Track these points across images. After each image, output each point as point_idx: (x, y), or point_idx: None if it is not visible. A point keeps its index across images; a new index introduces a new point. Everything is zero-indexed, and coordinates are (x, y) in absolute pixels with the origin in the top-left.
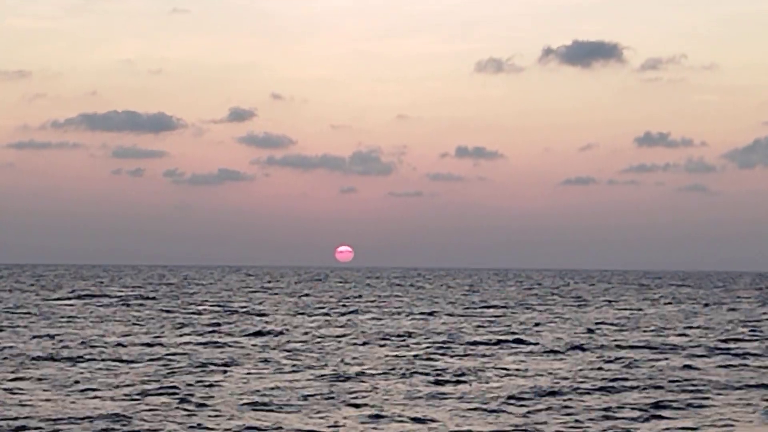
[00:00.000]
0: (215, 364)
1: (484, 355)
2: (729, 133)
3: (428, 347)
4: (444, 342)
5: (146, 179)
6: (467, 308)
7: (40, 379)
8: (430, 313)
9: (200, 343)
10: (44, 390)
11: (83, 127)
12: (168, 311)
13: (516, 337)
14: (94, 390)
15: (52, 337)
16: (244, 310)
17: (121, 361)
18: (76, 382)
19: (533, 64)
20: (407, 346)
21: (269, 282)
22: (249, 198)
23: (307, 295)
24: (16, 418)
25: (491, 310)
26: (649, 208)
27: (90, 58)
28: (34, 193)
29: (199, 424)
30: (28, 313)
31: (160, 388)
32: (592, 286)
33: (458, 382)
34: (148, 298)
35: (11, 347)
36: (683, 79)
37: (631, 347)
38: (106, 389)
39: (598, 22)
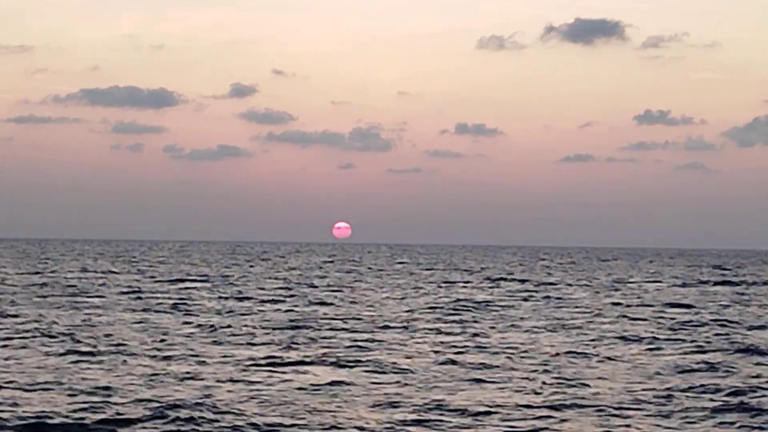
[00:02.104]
0: None
1: None
2: (729, 111)
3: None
4: None
5: (145, 154)
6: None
7: None
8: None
9: None
10: None
11: (84, 102)
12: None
13: None
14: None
15: None
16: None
17: None
18: None
19: (535, 42)
20: None
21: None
22: (248, 174)
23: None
24: None
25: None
26: (648, 186)
27: (92, 33)
28: (34, 168)
29: None
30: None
31: None
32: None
33: None
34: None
35: None
36: (684, 57)
37: None
38: None
39: None
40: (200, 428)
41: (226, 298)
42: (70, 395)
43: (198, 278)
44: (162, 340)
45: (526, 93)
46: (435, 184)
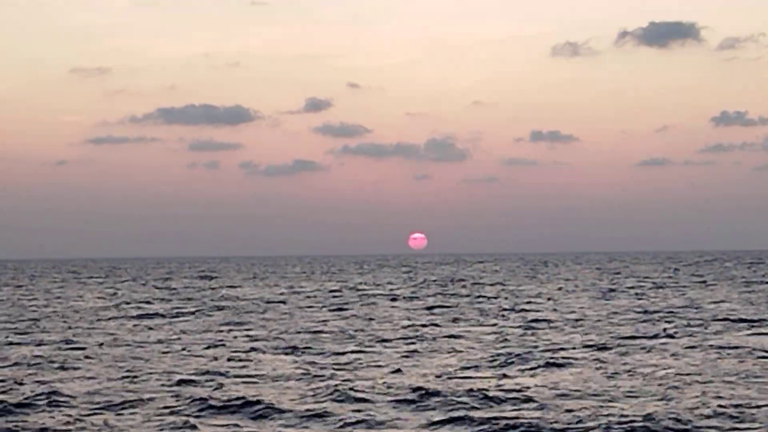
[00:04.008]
0: None
1: None
2: None
3: None
4: None
5: (222, 171)
6: None
7: None
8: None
9: None
10: None
11: (161, 121)
12: None
13: None
14: None
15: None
16: None
17: None
18: None
19: (609, 47)
20: None
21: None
22: (323, 187)
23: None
24: None
25: None
26: (727, 188)
27: (168, 53)
28: (113, 188)
29: None
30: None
31: None
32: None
33: None
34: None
35: None
36: (761, 58)
37: None
38: None
39: (674, 1)
40: None
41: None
42: None
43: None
44: None
45: (601, 98)
46: (510, 193)
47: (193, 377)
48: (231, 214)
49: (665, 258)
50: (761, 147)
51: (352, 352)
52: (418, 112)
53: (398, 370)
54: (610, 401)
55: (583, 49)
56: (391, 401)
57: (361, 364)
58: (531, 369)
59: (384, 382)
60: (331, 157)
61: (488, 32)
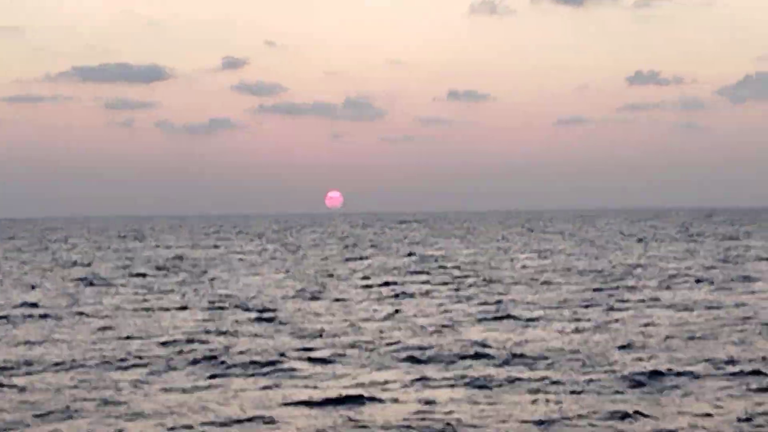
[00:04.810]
0: None
1: None
2: (721, 70)
3: None
4: None
5: (138, 130)
6: None
7: None
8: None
9: None
10: None
11: (76, 79)
12: None
13: None
14: None
15: None
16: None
17: None
18: None
19: (526, 5)
20: None
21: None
22: (240, 146)
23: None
24: None
25: None
26: (642, 146)
27: (84, 11)
28: (28, 146)
29: None
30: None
31: None
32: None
33: None
34: None
35: None
36: (676, 16)
37: None
38: None
39: None
40: None
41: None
42: None
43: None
44: None
45: (518, 57)
46: (427, 152)
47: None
48: (147, 173)
49: (579, 215)
50: (675, 106)
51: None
52: (335, 71)
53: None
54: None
55: (501, 8)
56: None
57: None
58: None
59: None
60: (248, 116)
61: None
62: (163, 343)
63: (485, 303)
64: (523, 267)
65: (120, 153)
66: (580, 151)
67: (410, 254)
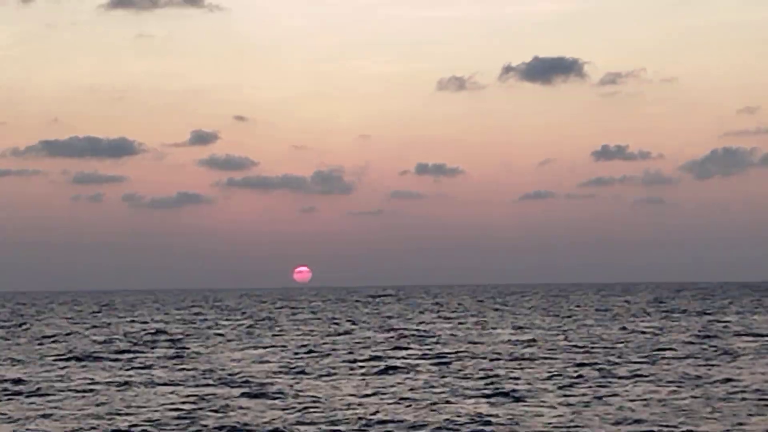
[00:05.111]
0: None
1: None
2: (686, 146)
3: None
4: None
5: (105, 204)
6: None
7: None
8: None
9: None
10: None
11: (44, 154)
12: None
13: None
14: None
15: None
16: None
17: None
18: None
19: (494, 82)
20: None
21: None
22: (208, 221)
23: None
24: None
25: None
26: (607, 221)
27: (51, 85)
28: None
29: None
30: None
31: None
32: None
33: None
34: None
35: None
36: (641, 93)
37: None
38: None
39: (558, 37)
40: None
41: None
42: None
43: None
44: None
45: (486, 132)
46: (396, 225)
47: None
48: (114, 247)
49: (548, 289)
50: (641, 180)
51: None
52: (304, 146)
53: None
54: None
55: (469, 84)
56: None
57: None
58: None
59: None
60: (217, 190)
61: (374, 67)
62: (153, 421)
63: (473, 378)
64: (506, 342)
65: (87, 227)
66: (546, 225)
67: (391, 329)
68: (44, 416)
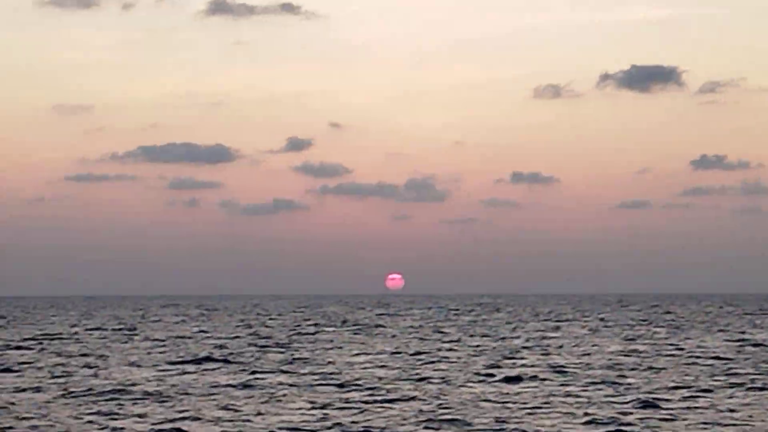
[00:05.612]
0: None
1: None
2: None
3: None
4: None
5: (201, 209)
6: None
7: None
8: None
9: None
10: None
11: (141, 159)
12: None
13: None
14: None
15: None
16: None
17: None
18: None
19: (591, 89)
20: None
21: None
22: (302, 227)
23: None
24: None
25: None
26: (705, 231)
27: (150, 90)
28: (91, 226)
29: None
30: None
31: None
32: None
33: None
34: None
35: None
36: (741, 102)
37: None
38: None
39: (656, 45)
40: None
41: None
42: None
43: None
44: None
45: (582, 140)
46: (490, 234)
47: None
48: (209, 253)
49: (653, 299)
50: (739, 191)
51: None
52: (398, 153)
53: None
54: None
55: (565, 92)
56: None
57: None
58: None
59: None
60: (311, 197)
61: (470, 74)
62: (288, 423)
63: (614, 388)
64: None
65: (183, 232)
66: (642, 235)
67: (499, 338)
68: (177, 419)
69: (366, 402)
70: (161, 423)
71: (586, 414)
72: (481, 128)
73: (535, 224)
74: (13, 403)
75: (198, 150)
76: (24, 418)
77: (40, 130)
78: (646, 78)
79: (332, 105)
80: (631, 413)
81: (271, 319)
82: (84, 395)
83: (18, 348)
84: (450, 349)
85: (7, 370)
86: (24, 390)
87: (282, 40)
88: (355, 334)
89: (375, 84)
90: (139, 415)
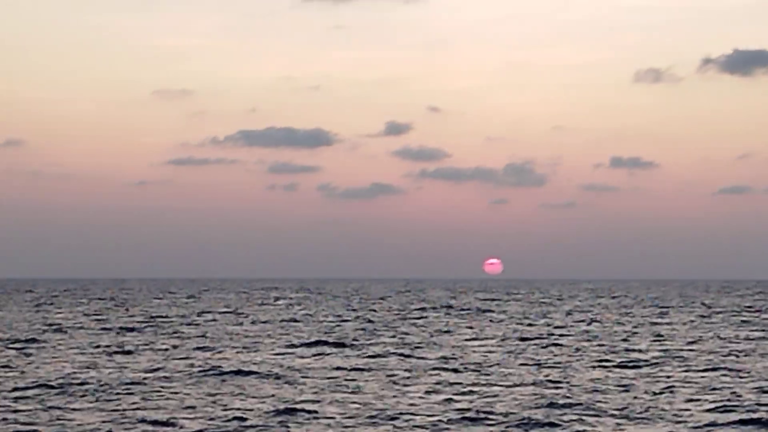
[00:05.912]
0: None
1: None
2: None
3: None
4: None
5: (300, 193)
6: None
7: None
8: None
9: None
10: None
11: (241, 143)
12: None
13: None
14: None
15: None
16: None
17: None
18: None
19: (692, 74)
20: None
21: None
22: (401, 211)
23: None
24: None
25: None
26: None
27: (250, 74)
28: (192, 209)
29: None
30: None
31: None
32: None
33: None
34: None
35: None
36: None
37: None
38: None
39: (759, 29)
40: None
41: None
42: None
43: None
44: None
45: (682, 125)
46: (589, 219)
47: None
48: (309, 236)
49: (747, 286)
50: None
51: None
52: (497, 137)
53: None
54: None
55: (666, 76)
56: None
57: None
58: None
59: None
60: (409, 181)
61: (569, 57)
62: (418, 406)
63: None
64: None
65: (282, 215)
66: (744, 220)
67: (628, 323)
68: (299, 401)
69: (484, 385)
70: (284, 403)
71: (709, 401)
72: (581, 112)
73: (635, 210)
74: (139, 383)
75: (297, 134)
76: (150, 399)
77: (142, 115)
78: (748, 62)
79: (431, 89)
80: (754, 400)
81: (373, 303)
82: (206, 375)
83: (131, 330)
84: (561, 335)
85: (127, 352)
86: (148, 371)
87: (381, 24)
88: (462, 318)
89: (474, 68)
90: (260, 397)
